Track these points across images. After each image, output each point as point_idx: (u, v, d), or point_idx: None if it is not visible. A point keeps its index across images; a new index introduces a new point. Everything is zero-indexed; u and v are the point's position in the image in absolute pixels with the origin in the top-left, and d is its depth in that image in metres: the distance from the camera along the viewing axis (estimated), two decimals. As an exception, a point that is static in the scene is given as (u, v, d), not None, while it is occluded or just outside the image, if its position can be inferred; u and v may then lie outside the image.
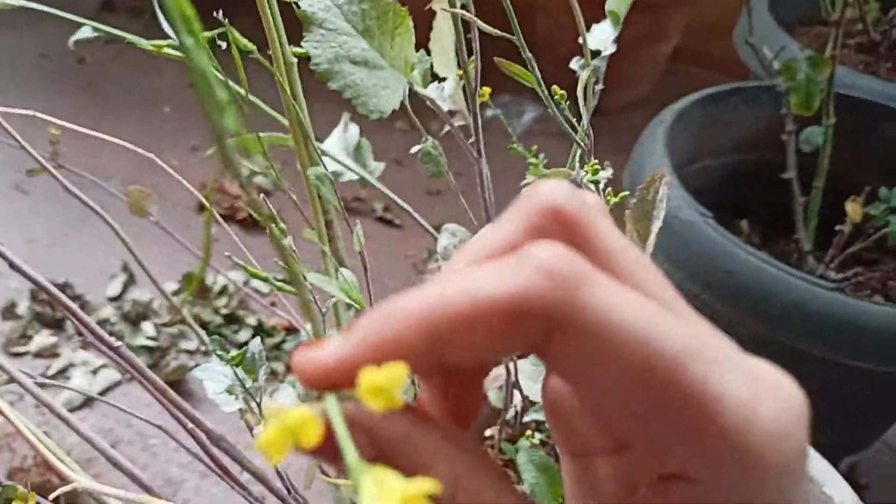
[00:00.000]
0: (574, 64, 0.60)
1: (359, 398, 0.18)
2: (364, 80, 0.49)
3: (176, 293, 1.48)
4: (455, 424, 0.23)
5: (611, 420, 0.21)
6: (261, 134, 0.56)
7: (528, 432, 0.72)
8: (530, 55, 0.58)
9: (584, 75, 0.57)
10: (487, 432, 0.80)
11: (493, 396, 0.73)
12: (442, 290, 0.19)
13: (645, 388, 0.19)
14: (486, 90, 0.58)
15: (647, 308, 0.19)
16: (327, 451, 0.19)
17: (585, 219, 0.20)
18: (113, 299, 1.48)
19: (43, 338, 1.38)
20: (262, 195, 0.44)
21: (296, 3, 0.47)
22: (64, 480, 0.46)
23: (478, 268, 0.20)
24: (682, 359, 0.19)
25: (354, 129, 0.63)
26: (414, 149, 0.57)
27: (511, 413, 0.75)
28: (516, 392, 0.72)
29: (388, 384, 0.18)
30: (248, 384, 0.52)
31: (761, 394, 0.19)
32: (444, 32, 0.53)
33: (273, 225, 0.42)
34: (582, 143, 0.60)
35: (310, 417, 0.18)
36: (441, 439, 0.20)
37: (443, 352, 0.19)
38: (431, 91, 0.52)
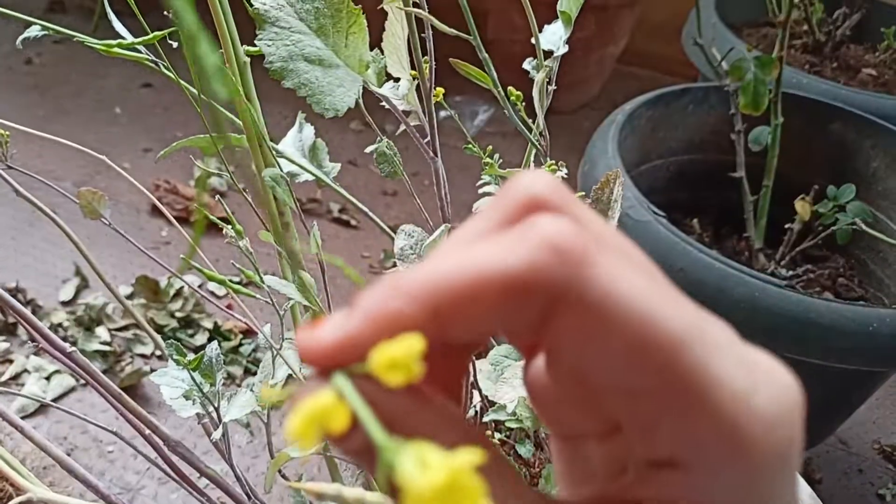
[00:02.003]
0: (527, 64, 0.61)
1: (366, 374, 0.18)
2: (319, 79, 0.49)
3: (129, 296, 1.46)
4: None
5: (604, 400, 0.21)
6: (215, 135, 0.55)
7: (488, 432, 0.72)
8: (486, 55, 0.59)
9: (540, 75, 0.58)
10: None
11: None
12: (445, 265, 0.19)
13: (644, 367, 0.19)
14: (440, 90, 0.59)
15: (652, 289, 0.19)
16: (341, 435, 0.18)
17: (569, 208, 0.20)
18: (66, 303, 1.46)
19: (-7, 344, 1.35)
20: (216, 197, 0.44)
21: (248, 2, 0.47)
22: (19, 490, 0.45)
23: (479, 243, 0.20)
24: (684, 341, 0.19)
25: (310, 130, 0.63)
26: (369, 149, 0.57)
27: (470, 413, 0.75)
28: (475, 392, 0.72)
29: (404, 358, 0.17)
30: (206, 389, 0.52)
31: (759, 382, 0.19)
32: (396, 32, 0.54)
33: (230, 227, 0.42)
34: (538, 143, 0.60)
35: (337, 403, 0.17)
36: (441, 415, 0.20)
37: (444, 326, 0.19)
38: (386, 90, 0.52)
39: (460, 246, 0.20)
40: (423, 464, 0.16)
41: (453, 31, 0.52)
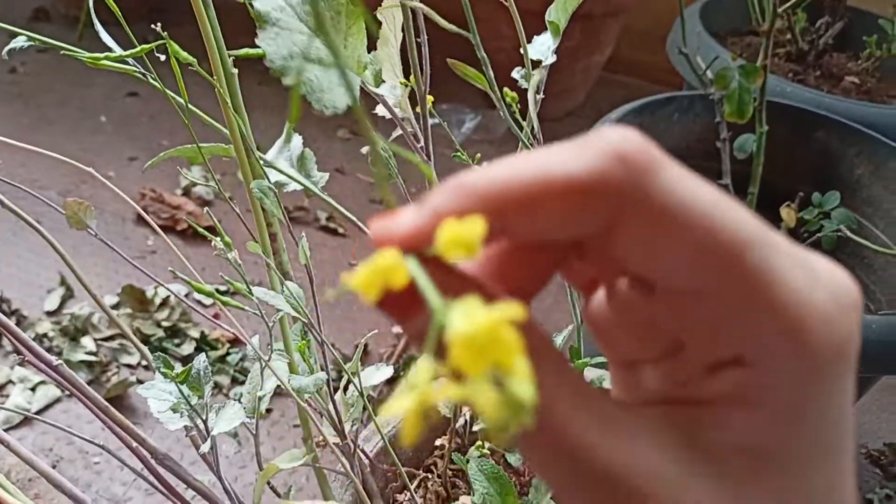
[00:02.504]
0: (516, 73, 0.61)
1: (434, 258, 0.19)
2: (319, 77, 0.49)
3: (115, 306, 1.45)
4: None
5: (665, 316, 0.21)
6: (202, 145, 0.55)
7: (479, 442, 0.72)
8: (484, 55, 0.59)
9: (533, 81, 0.58)
10: (437, 442, 0.80)
11: (442, 405, 0.73)
12: (515, 166, 0.19)
13: (710, 267, 0.19)
14: (430, 98, 0.59)
15: (717, 195, 0.20)
16: (398, 305, 0.20)
17: (655, 167, 0.20)
18: (51, 313, 1.45)
19: (-24, 355, 1.34)
20: (205, 209, 0.43)
21: (250, 4, 0.47)
22: None
23: (550, 149, 0.20)
24: (747, 242, 0.19)
25: (297, 140, 0.63)
26: (364, 149, 0.57)
27: (461, 422, 0.75)
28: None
29: (467, 235, 0.18)
30: (194, 401, 0.52)
31: (817, 281, 0.20)
32: (389, 40, 0.54)
33: (218, 238, 0.42)
34: (531, 147, 0.61)
35: (399, 260, 0.18)
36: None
37: (511, 227, 0.20)
38: (384, 90, 0.52)
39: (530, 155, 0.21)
40: (468, 316, 0.16)
41: (453, 28, 0.53)
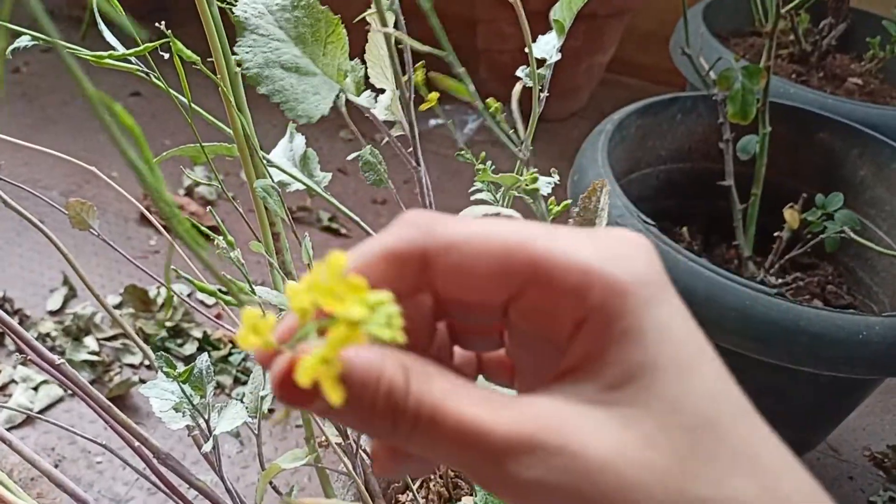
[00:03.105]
0: (520, 72, 0.61)
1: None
2: (294, 86, 0.49)
3: (118, 306, 1.46)
4: None
5: (512, 320, 0.26)
6: (205, 144, 0.55)
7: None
8: (463, 69, 0.59)
9: (534, 82, 0.58)
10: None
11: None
12: (358, 251, 0.25)
13: (509, 269, 0.24)
14: (434, 95, 0.59)
15: (489, 221, 0.25)
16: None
17: (437, 218, 0.26)
18: (53, 313, 1.45)
19: (-21, 355, 1.34)
20: (208, 208, 0.43)
21: (230, 10, 0.47)
22: (6, 503, 0.44)
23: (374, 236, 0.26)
24: (525, 238, 0.24)
25: (300, 140, 0.63)
26: (352, 156, 0.57)
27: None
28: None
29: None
30: (196, 401, 0.52)
31: (592, 240, 0.25)
32: (379, 44, 0.54)
33: (221, 238, 0.42)
34: (522, 152, 0.61)
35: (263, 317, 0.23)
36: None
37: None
38: (363, 100, 0.52)
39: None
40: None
41: (427, 48, 0.52)
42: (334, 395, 0.21)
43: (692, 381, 0.23)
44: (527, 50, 0.59)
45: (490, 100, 0.59)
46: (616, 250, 0.24)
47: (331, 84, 0.49)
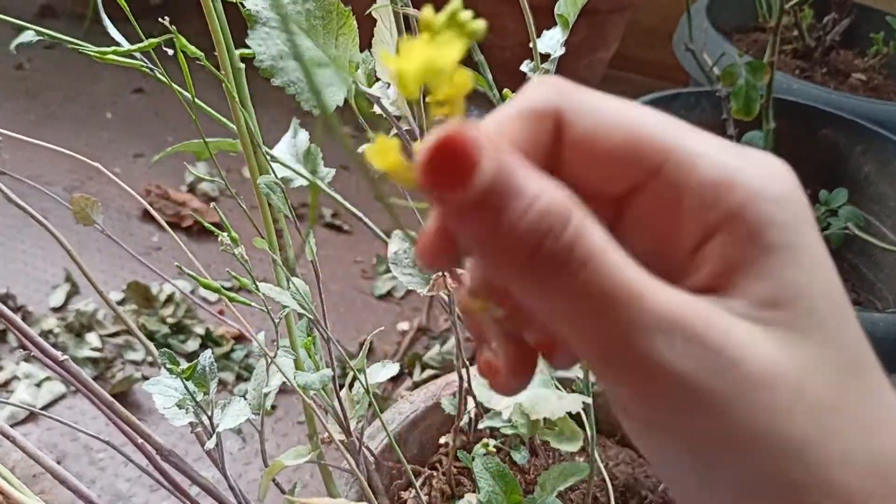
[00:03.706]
0: (524, 67, 0.61)
1: None
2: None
3: (121, 302, 1.46)
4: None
5: (633, 217, 0.24)
6: (208, 139, 0.55)
7: (484, 440, 0.72)
8: (482, 58, 0.58)
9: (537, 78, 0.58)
10: (442, 440, 0.80)
11: (447, 403, 0.73)
12: (498, 111, 0.24)
13: (641, 151, 0.22)
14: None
15: (628, 102, 0.23)
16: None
17: (576, 86, 0.24)
18: (56, 310, 1.45)
19: (-18, 351, 1.34)
20: (211, 203, 0.43)
21: (241, 3, 0.47)
22: (9, 500, 0.44)
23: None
24: (663, 124, 0.23)
25: (304, 135, 0.63)
26: (360, 148, 0.57)
27: (465, 420, 0.75)
28: (470, 399, 0.72)
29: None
30: (199, 397, 0.52)
31: (744, 157, 0.22)
32: (385, 38, 0.54)
33: (225, 234, 0.41)
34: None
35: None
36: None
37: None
38: (376, 90, 0.52)
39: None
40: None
41: None
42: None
43: (847, 318, 0.22)
44: (531, 45, 0.59)
45: (506, 91, 0.59)
46: (761, 162, 0.22)
47: (343, 76, 0.49)
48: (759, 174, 0.21)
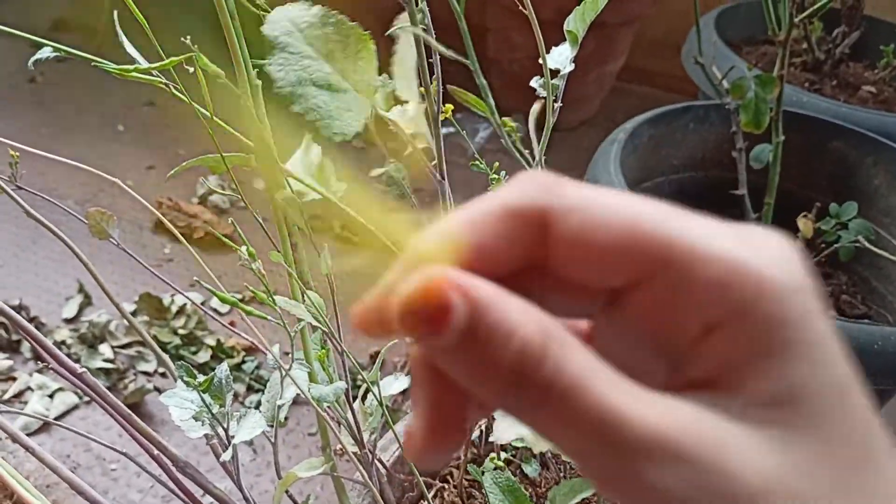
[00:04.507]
0: (534, 83, 0.61)
1: None
2: (327, 103, 0.49)
3: (132, 314, 1.46)
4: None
5: (629, 312, 0.23)
6: (225, 154, 0.56)
7: (493, 454, 0.72)
8: (484, 81, 0.59)
9: (548, 93, 0.58)
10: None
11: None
12: (466, 210, 0.23)
13: (637, 247, 0.21)
14: (449, 107, 0.59)
15: (617, 192, 0.23)
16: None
17: (561, 181, 0.23)
18: (69, 321, 1.46)
19: (-3, 361, 1.35)
20: (230, 219, 0.44)
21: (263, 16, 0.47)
22: (27, 509, 0.45)
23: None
24: (660, 217, 0.22)
25: (317, 150, 0.63)
26: (376, 172, 0.57)
27: (476, 434, 0.75)
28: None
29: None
30: (215, 410, 0.52)
31: (744, 240, 0.22)
32: (405, 56, 0.54)
33: (244, 248, 0.42)
34: (536, 161, 0.61)
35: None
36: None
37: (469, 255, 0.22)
38: (395, 115, 0.52)
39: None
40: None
41: (452, 55, 0.53)
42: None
43: (854, 407, 0.21)
44: (540, 61, 0.60)
45: (506, 119, 0.59)
46: (766, 248, 0.22)
47: (362, 100, 0.50)
48: (765, 265, 0.21)
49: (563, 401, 0.20)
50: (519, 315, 0.20)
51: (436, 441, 0.23)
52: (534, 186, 0.23)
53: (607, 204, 0.22)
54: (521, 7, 0.57)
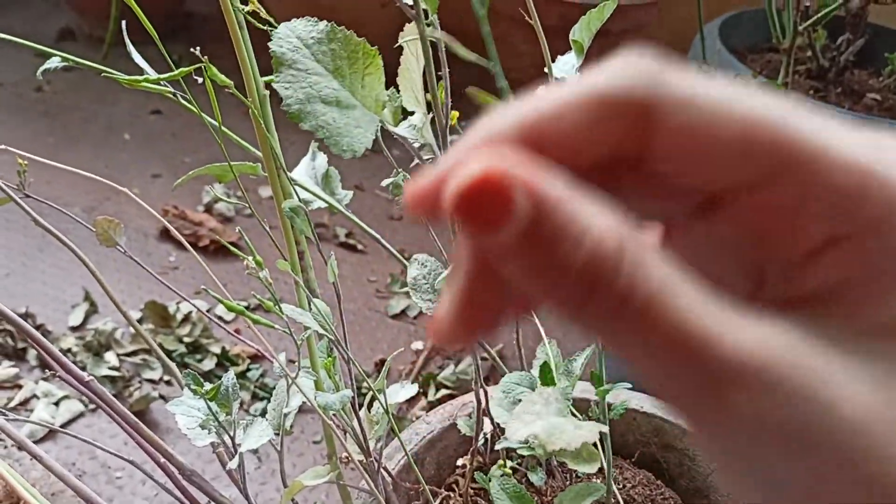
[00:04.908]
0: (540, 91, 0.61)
1: None
2: (336, 120, 0.49)
3: (138, 322, 1.47)
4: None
5: (733, 217, 0.20)
6: (232, 163, 0.56)
7: (500, 461, 0.72)
8: (506, 83, 0.59)
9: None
10: (459, 461, 0.80)
11: (463, 424, 0.73)
12: (538, 97, 0.20)
13: (758, 147, 0.19)
14: (455, 114, 0.59)
15: (732, 86, 0.19)
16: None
17: (666, 66, 0.20)
18: (75, 329, 1.46)
19: (3, 369, 1.36)
20: (237, 228, 0.44)
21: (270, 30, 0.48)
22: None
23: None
24: (785, 114, 0.19)
25: (322, 159, 0.64)
26: (385, 182, 0.58)
27: (482, 441, 0.75)
28: (486, 420, 0.72)
29: None
30: (222, 418, 0.52)
31: (863, 135, 0.20)
32: (411, 67, 0.54)
33: (250, 257, 0.42)
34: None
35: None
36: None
37: (551, 142, 0.20)
38: (403, 130, 0.52)
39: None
40: None
41: (473, 56, 0.53)
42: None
43: None
44: (545, 69, 0.60)
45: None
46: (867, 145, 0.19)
47: (370, 116, 0.50)
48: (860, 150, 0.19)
49: (642, 315, 0.18)
50: (591, 216, 0.18)
51: (464, 331, 0.21)
52: (635, 73, 0.19)
53: (726, 98, 0.19)
54: (526, 17, 0.57)
